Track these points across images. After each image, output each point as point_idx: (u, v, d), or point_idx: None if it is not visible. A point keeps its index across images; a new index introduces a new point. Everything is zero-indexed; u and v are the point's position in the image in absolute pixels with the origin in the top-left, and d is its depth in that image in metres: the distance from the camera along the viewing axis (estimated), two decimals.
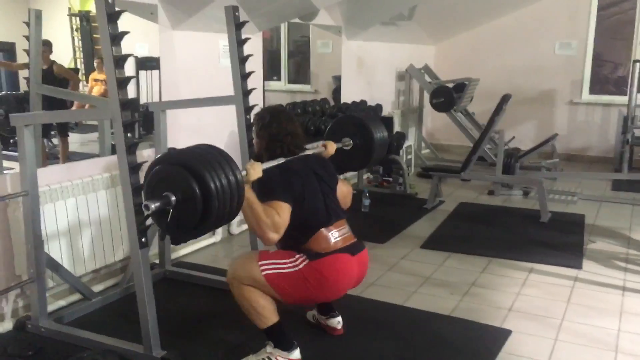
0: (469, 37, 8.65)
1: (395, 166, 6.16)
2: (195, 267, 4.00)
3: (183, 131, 4.14)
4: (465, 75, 7.63)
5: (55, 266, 3.11)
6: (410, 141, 7.81)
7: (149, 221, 2.56)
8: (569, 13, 7.97)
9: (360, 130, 3.37)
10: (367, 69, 6.94)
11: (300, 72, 7.77)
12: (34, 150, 2.93)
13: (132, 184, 2.61)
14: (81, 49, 5.02)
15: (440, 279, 3.88)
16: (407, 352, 2.93)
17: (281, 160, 2.72)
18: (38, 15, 3.91)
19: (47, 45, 4.57)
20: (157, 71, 4.27)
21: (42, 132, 4.36)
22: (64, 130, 4.60)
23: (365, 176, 6.58)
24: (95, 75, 4.84)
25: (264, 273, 2.60)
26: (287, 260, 2.63)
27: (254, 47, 4.91)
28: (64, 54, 4.88)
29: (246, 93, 3.37)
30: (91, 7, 4.26)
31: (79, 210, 3.34)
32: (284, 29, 7.42)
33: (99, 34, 2.57)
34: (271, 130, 2.80)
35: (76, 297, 3.40)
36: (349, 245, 2.72)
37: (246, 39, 3.36)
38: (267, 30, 7.23)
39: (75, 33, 4.97)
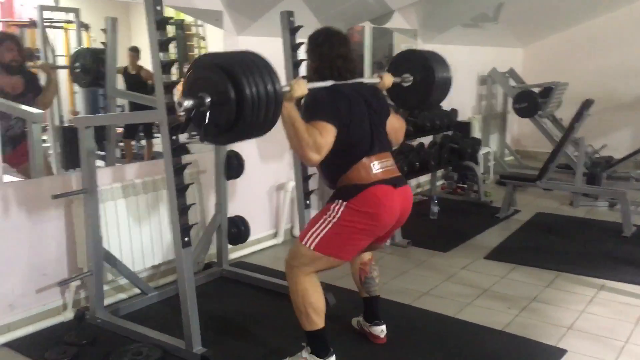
0: (560, 39, 8.26)
1: (470, 173, 5.99)
2: (253, 267, 4.07)
3: None
4: (555, 79, 7.26)
5: (113, 261, 3.27)
6: (493, 147, 7.57)
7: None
8: None
9: (423, 67, 3.14)
10: None
11: None
12: (94, 150, 3.09)
13: (176, 185, 2.71)
14: (175, 55, 5.26)
15: (499, 291, 3.72)
16: None
17: (330, 83, 2.61)
18: (114, 22, 4.12)
19: (136, 52, 4.82)
20: None
21: (129, 134, 4.60)
22: (149, 132, 4.83)
23: (439, 182, 6.44)
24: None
25: (311, 247, 2.53)
26: (322, 221, 2.54)
27: None
28: None
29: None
30: (185, 16, 4.46)
31: (140, 208, 3.50)
32: (368, 32, 7.40)
33: (149, 39, 2.68)
34: (322, 50, 2.67)
35: (137, 291, 3.56)
36: (392, 178, 2.59)
37: (300, 44, 3.38)
38: (356, 34, 7.30)
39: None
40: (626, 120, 7.82)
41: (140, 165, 3.74)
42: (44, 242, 3.20)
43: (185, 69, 5.01)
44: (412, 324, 3.27)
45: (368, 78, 2.87)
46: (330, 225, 2.53)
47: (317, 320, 2.61)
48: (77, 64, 4.06)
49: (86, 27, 4.27)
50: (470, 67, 7.40)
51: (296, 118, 2.38)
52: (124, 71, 4.38)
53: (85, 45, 4.14)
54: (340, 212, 2.52)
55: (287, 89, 2.35)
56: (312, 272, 2.60)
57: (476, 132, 7.14)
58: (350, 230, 2.52)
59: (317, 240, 2.54)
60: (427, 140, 5.68)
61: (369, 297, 3.00)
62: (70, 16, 4.14)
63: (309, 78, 2.71)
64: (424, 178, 6.36)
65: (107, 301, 3.42)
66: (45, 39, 4.09)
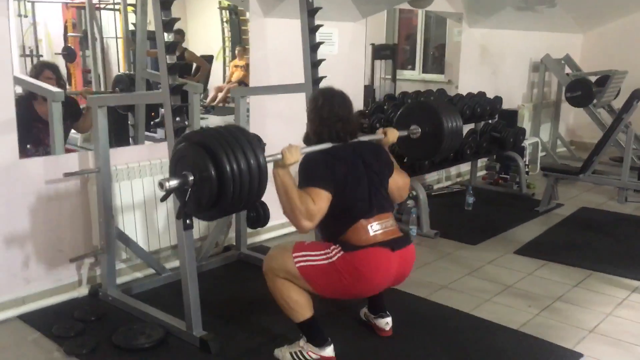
0: (624, 25, 7.80)
1: (513, 163, 5.74)
2: None
3: (269, 117, 4.19)
4: (616, 67, 6.85)
5: (126, 240, 3.31)
6: (543, 137, 7.25)
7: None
8: None
9: (431, 118, 3.10)
10: (492, 58, 6.51)
11: (436, 62, 7.53)
12: (107, 129, 3.12)
13: None
14: (230, 39, 5.30)
15: (522, 289, 3.55)
16: None
17: (327, 146, 2.61)
18: (144, 2, 4.14)
19: (180, 34, 4.86)
20: None
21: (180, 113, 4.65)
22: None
23: (481, 172, 6.22)
24: (235, 62, 5.05)
25: (298, 265, 2.53)
26: (321, 252, 2.53)
27: (357, 35, 4.85)
28: (215, 44, 5.21)
29: (316, 81, 3.32)
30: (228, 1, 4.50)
31: (156, 189, 3.51)
32: (421, 16, 7.24)
33: (154, 19, 2.66)
34: (322, 113, 2.64)
35: (152, 271, 3.59)
36: (390, 240, 2.55)
37: (318, 26, 3.30)
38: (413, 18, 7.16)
39: (225, 25, 5.27)
40: None
41: (157, 145, 3.74)
42: (60, 219, 3.26)
43: (236, 51, 5.04)
44: (423, 318, 3.16)
45: (369, 137, 2.88)
46: (324, 262, 2.52)
47: (303, 311, 2.58)
48: (117, 88, 4.17)
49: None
50: (522, 53, 7.09)
51: (288, 185, 2.40)
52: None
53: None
54: (336, 256, 2.50)
55: (279, 157, 2.39)
56: (285, 279, 2.59)
57: (525, 121, 6.86)
58: (337, 280, 2.50)
59: (306, 264, 2.53)
60: (465, 128, 5.48)
61: None
62: None
63: (308, 137, 2.71)
64: (465, 167, 6.16)
65: (123, 279, 3.48)
66: (94, 21, 4.19)
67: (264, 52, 4.14)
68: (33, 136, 3.37)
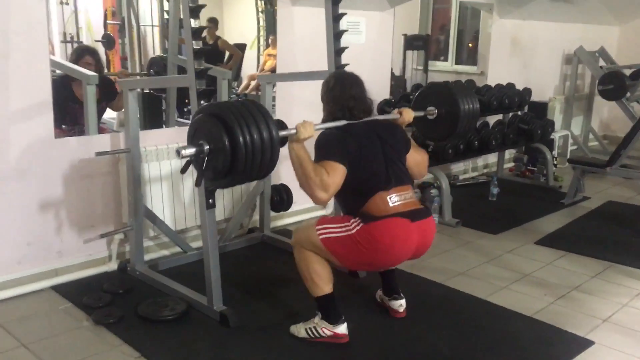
0: None
1: (541, 156, 5.72)
2: None
3: (295, 104, 4.29)
4: None
5: (153, 218, 3.46)
6: (575, 131, 7.18)
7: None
8: None
9: (447, 100, 3.13)
10: (524, 50, 6.46)
11: (470, 53, 7.52)
12: (137, 111, 3.26)
13: None
14: (265, 28, 5.42)
15: (540, 277, 3.58)
16: (464, 344, 2.78)
17: (341, 123, 2.67)
18: None
19: (213, 22, 5.00)
20: None
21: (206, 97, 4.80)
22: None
23: (509, 164, 6.21)
24: (269, 50, 5.16)
25: (321, 237, 2.61)
26: (342, 225, 2.60)
27: (385, 25, 4.90)
28: (250, 33, 5.34)
29: (339, 68, 3.39)
30: None
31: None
32: (455, 6, 7.24)
33: (182, 6, 2.77)
34: (334, 94, 2.73)
35: (179, 249, 3.74)
36: (410, 211, 2.61)
37: (342, 14, 3.37)
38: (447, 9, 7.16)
39: (260, 14, 5.39)
40: None
41: (186, 128, 3.86)
42: (92, 196, 3.42)
43: (269, 40, 5.16)
44: (438, 301, 3.23)
45: (387, 115, 2.93)
46: (345, 234, 2.59)
47: (323, 286, 2.67)
48: (152, 71, 4.33)
49: None
50: (555, 45, 7.02)
51: (303, 157, 2.49)
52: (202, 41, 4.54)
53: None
54: (356, 229, 2.57)
55: (293, 131, 2.49)
56: (313, 252, 2.68)
57: (556, 114, 6.80)
58: (357, 251, 2.58)
59: (328, 236, 2.62)
60: (493, 119, 5.49)
61: (385, 272, 2.99)
62: None
63: (325, 120, 2.78)
64: (492, 158, 6.16)
65: (150, 256, 3.63)
66: (131, 9, 4.35)
67: (291, 40, 4.24)
68: (69, 116, 3.55)
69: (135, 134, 3.27)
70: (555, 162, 5.90)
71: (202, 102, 2.82)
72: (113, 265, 3.50)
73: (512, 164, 6.20)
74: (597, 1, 6.64)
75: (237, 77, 5.37)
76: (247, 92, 5.27)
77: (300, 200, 4.36)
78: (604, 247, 4.09)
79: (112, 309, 2.99)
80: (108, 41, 4.30)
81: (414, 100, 3.28)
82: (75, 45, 3.95)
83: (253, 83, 5.24)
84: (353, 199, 2.64)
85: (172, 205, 3.63)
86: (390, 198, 2.60)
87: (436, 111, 3.15)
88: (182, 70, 4.44)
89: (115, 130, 3.87)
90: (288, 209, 4.01)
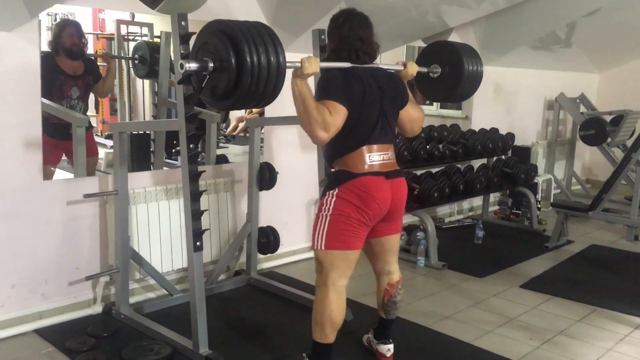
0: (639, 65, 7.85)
1: (525, 199, 5.80)
2: (282, 278, 4.13)
3: (282, 147, 4.34)
4: (631, 107, 6.91)
5: (139, 260, 3.45)
6: (558, 175, 7.30)
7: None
8: None
9: (452, 59, 3.08)
10: (507, 95, 6.62)
11: None
12: (126, 154, 3.29)
13: (191, 191, 2.83)
14: None
15: (526, 322, 3.59)
16: None
17: (346, 65, 2.59)
18: (168, 36, 4.35)
19: None
20: None
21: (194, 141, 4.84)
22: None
23: (493, 207, 6.29)
24: None
25: (321, 247, 2.59)
26: (319, 221, 2.60)
27: None
28: None
29: None
30: None
31: (171, 213, 3.66)
32: None
33: (173, 53, 2.83)
34: (342, 31, 2.63)
35: (165, 291, 3.71)
36: (386, 171, 2.61)
37: None
38: None
39: None
40: None
41: (174, 171, 3.90)
42: (79, 238, 3.42)
43: None
44: (424, 346, 3.23)
45: (391, 65, 2.84)
46: (327, 220, 2.58)
47: (330, 334, 2.63)
48: (136, 55, 4.39)
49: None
50: (537, 91, 7.20)
51: (306, 95, 2.41)
52: None
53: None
54: (332, 203, 2.57)
55: (297, 65, 2.40)
56: (338, 277, 2.61)
57: (539, 158, 6.93)
58: (345, 219, 2.55)
59: (323, 239, 2.59)
60: (477, 163, 5.58)
61: (385, 319, 2.97)
62: (145, 30, 4.47)
63: (327, 57, 2.73)
64: (477, 201, 6.24)
65: (136, 299, 3.61)
66: (121, 49, 4.42)
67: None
68: (56, 89, 3.61)
69: (123, 176, 3.29)
70: (539, 206, 5.98)
71: (191, 145, 2.85)
72: (98, 308, 3.47)
73: (496, 207, 6.28)
74: (577, 50, 6.84)
75: (225, 119, 5.43)
76: (234, 134, 5.33)
77: (287, 242, 4.42)
78: (589, 291, 4.12)
79: (96, 353, 2.95)
80: None
81: (418, 57, 3.20)
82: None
83: (241, 125, 5.30)
84: (337, 146, 2.59)
85: (159, 248, 3.63)
86: (369, 156, 2.58)
87: (439, 69, 3.10)
88: (171, 112, 4.52)
89: (103, 172, 3.89)
90: (275, 251, 4.05)
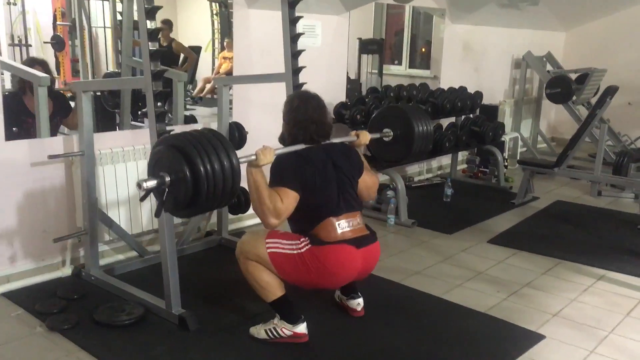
0: (604, 23, 7.92)
1: (492, 157, 5.88)
2: None
3: (252, 107, 4.29)
4: (596, 66, 7.01)
5: (109, 222, 3.41)
6: (524, 133, 7.40)
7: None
8: None
9: (402, 122, 3.27)
10: (475, 54, 6.64)
11: (423, 57, 7.65)
12: (91, 114, 3.21)
13: None
14: (220, 31, 5.38)
15: (493, 275, 3.68)
16: (421, 341, 2.84)
17: (300, 147, 2.74)
18: None
19: (168, 24, 4.94)
20: None
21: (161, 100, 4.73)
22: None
23: (461, 166, 6.36)
24: (224, 53, 5.13)
25: (269, 251, 2.68)
26: (292, 242, 2.67)
27: (340, 28, 4.95)
28: (205, 35, 5.29)
29: (296, 71, 3.43)
30: None
31: (139, 174, 3.61)
32: (408, 12, 7.35)
33: (137, 8, 2.75)
34: (297, 115, 2.76)
35: (134, 253, 3.69)
36: (356, 238, 2.71)
37: (299, 17, 3.40)
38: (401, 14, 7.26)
39: (214, 17, 5.35)
40: None
41: (142, 131, 3.82)
42: (45, 200, 3.35)
43: (225, 43, 5.14)
44: (395, 300, 3.29)
45: (344, 137, 3.00)
46: (293, 252, 2.66)
47: (274, 290, 2.72)
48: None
49: None
50: (505, 49, 7.23)
51: (260, 183, 2.54)
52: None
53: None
54: (305, 248, 2.64)
55: (253, 157, 2.52)
56: (257, 262, 2.73)
57: (506, 117, 7.00)
58: (302, 270, 2.65)
59: (277, 251, 2.68)
60: (446, 121, 5.62)
61: None
62: None
63: (283, 139, 2.84)
64: (446, 160, 6.30)
65: (106, 261, 3.58)
66: (82, 10, 4.27)
67: (247, 43, 4.24)
68: (23, 130, 3.48)
69: (89, 137, 3.22)
70: (505, 164, 6.06)
71: (158, 104, 2.80)
72: (67, 271, 3.43)
73: (464, 166, 6.35)
74: (544, 8, 6.86)
75: (192, 80, 5.34)
76: (202, 95, 5.25)
77: None
78: (553, 245, 4.23)
79: (67, 315, 2.93)
80: (58, 43, 4.22)
81: (370, 123, 3.40)
82: (25, 48, 3.87)
83: (208, 86, 5.22)
84: (303, 222, 2.72)
85: (128, 209, 3.58)
86: (339, 224, 2.69)
87: (392, 133, 3.26)
88: (136, 72, 4.41)
89: (67, 134, 3.80)
90: (246, 211, 4.03)
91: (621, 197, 5.53)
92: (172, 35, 4.94)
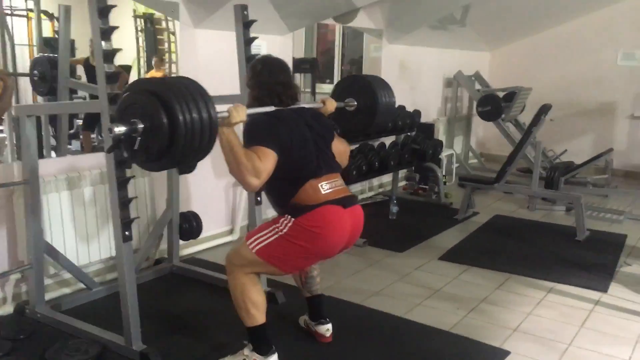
0: (527, 44, 8.33)
1: (432, 174, 6.00)
2: (205, 264, 4.01)
3: None
4: (520, 84, 7.33)
5: (55, 254, 3.19)
6: (457, 149, 7.61)
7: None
8: (633, 22, 7.52)
9: (366, 92, 3.15)
10: (411, 73, 6.79)
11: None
12: (35, 140, 3.01)
13: (117, 178, 2.64)
14: (145, 49, 5.18)
15: (450, 292, 3.72)
16: None
17: (270, 109, 2.59)
18: (67, 10, 4.02)
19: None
20: None
21: (89, 126, 4.50)
22: None
23: (401, 183, 6.45)
24: (152, 72, 4.94)
25: (255, 250, 2.53)
26: (271, 228, 2.54)
27: (284, 48, 4.93)
28: (129, 53, 5.07)
29: None
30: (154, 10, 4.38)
31: (87, 201, 3.42)
32: (338, 31, 7.41)
33: (91, 27, 2.61)
34: (262, 78, 2.66)
35: (82, 285, 3.47)
36: (341, 198, 2.57)
37: (254, 38, 3.35)
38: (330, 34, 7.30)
39: (139, 34, 5.15)
40: (587, 126, 7.95)
41: (90, 157, 3.66)
42: None
43: (153, 62, 4.96)
44: (359, 323, 3.26)
45: (311, 103, 2.90)
46: (276, 236, 2.52)
47: (257, 315, 2.59)
48: (35, 72, 3.99)
49: (51, 16, 4.17)
50: (437, 69, 7.44)
51: (234, 143, 2.38)
52: (85, 62, 4.30)
53: (49, 34, 4.08)
54: (287, 227, 2.50)
55: (225, 114, 2.38)
56: (251, 272, 2.59)
57: (440, 134, 7.18)
58: (293, 248, 2.51)
59: (260, 245, 2.53)
60: (388, 140, 5.68)
61: (312, 296, 2.98)
62: (30, 4, 4.06)
63: (250, 106, 2.70)
64: (386, 178, 6.37)
65: (50, 295, 3.35)
66: (4, 27, 4.00)
67: (194, 63, 4.13)
68: None
69: (34, 164, 3.01)
70: (444, 180, 6.20)
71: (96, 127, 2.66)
72: (8, 309, 3.18)
73: (404, 183, 6.44)
74: (471, 30, 7.12)
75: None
76: None
77: (206, 227, 4.26)
78: (501, 259, 4.35)
79: (14, 358, 2.71)
80: None
81: (332, 92, 3.25)
82: None
83: None
84: (284, 188, 2.56)
85: (74, 239, 3.38)
86: (321, 186, 2.55)
87: (355, 103, 3.16)
88: (73, 93, 4.20)
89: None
90: (198, 236, 3.92)
91: (553, 210, 5.77)
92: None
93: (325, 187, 2.56)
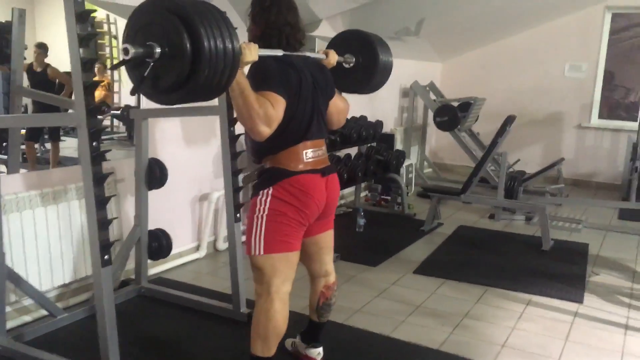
0: (477, 55, 8.48)
1: (394, 185, 5.96)
2: (174, 284, 3.80)
3: (167, 141, 3.96)
4: (471, 94, 7.44)
5: (17, 280, 2.92)
6: (413, 160, 7.63)
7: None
8: (580, 35, 7.77)
9: (366, 49, 2.93)
10: None
11: None
12: None
13: (97, 197, 2.42)
14: None
15: (431, 307, 3.65)
16: None
17: (280, 53, 2.34)
18: (22, 14, 3.73)
19: (43, 48, 4.42)
20: None
21: (33, 136, 4.22)
22: (55, 134, 4.43)
23: (363, 194, 6.39)
24: (95, 79, 4.68)
25: (261, 252, 2.35)
26: (254, 220, 2.36)
27: None
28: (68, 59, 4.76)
29: (231, 104, 3.18)
30: (96, 14, 4.11)
31: (49, 221, 3.15)
32: None
33: (68, 34, 2.39)
34: (270, 16, 2.38)
35: (44, 312, 3.20)
36: (320, 168, 2.43)
37: None
38: None
39: None
40: (537, 136, 8.14)
41: (49, 172, 3.40)
42: None
43: (97, 69, 4.69)
44: (348, 345, 3.13)
45: (313, 53, 2.64)
46: (264, 221, 2.35)
47: (274, 347, 2.41)
48: None
49: None
50: (394, 79, 7.34)
51: (245, 86, 2.12)
52: (29, 69, 4.04)
53: None
54: (267, 202, 2.35)
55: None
56: (282, 283, 2.39)
57: (398, 144, 7.17)
58: (284, 219, 2.35)
59: (261, 242, 2.35)
60: (353, 151, 5.61)
61: (317, 322, 2.81)
62: None
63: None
64: (348, 190, 6.29)
65: (10, 325, 3.05)
66: None
67: None
68: None
69: None
70: (407, 191, 6.18)
71: (94, 143, 2.43)
72: None
73: (365, 194, 6.38)
74: (424, 40, 7.16)
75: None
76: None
77: (175, 244, 4.04)
78: (474, 271, 4.32)
79: None
80: None
81: (329, 44, 3.01)
82: None
83: None
84: (268, 142, 2.28)
85: (36, 263, 3.10)
86: (305, 153, 2.39)
87: (353, 59, 2.95)
88: (38, 103, 3.92)
89: None
90: (168, 255, 3.71)
91: (514, 220, 5.83)
92: (47, 60, 4.44)
93: (309, 154, 2.40)
